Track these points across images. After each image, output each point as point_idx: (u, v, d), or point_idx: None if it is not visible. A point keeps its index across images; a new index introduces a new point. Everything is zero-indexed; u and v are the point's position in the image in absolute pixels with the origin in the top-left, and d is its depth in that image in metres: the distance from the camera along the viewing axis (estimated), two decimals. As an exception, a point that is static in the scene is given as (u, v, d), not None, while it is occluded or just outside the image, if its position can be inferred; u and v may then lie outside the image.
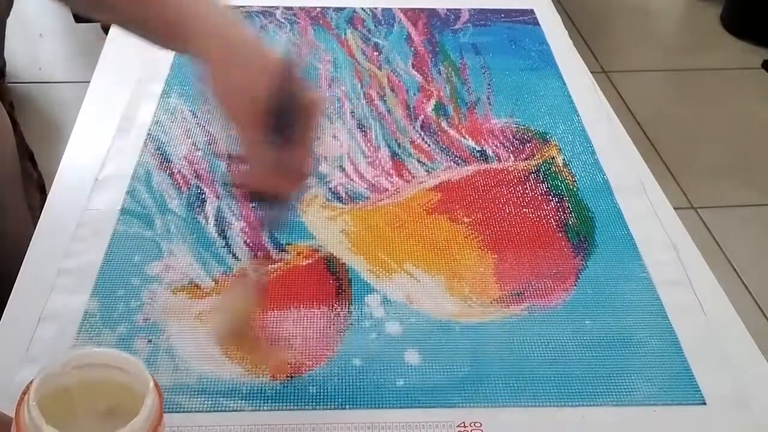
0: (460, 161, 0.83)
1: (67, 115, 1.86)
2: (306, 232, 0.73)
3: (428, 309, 0.66)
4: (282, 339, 0.63)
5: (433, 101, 0.91)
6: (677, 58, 2.38)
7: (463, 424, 0.57)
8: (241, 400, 0.58)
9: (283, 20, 1.04)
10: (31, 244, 0.71)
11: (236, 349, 0.61)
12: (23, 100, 1.96)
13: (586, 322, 0.66)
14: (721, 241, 1.73)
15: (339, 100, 0.90)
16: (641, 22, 2.56)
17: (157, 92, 0.89)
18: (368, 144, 0.84)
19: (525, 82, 0.95)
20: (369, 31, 1.03)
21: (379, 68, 0.96)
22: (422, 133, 0.86)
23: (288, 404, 0.58)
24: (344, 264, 0.70)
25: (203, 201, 0.76)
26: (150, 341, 0.62)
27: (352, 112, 0.89)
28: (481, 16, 1.08)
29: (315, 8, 1.07)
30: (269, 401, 0.58)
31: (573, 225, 0.75)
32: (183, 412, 0.57)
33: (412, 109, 0.90)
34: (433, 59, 0.99)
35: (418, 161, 0.82)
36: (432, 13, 1.08)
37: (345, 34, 1.02)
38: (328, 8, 1.07)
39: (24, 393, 0.40)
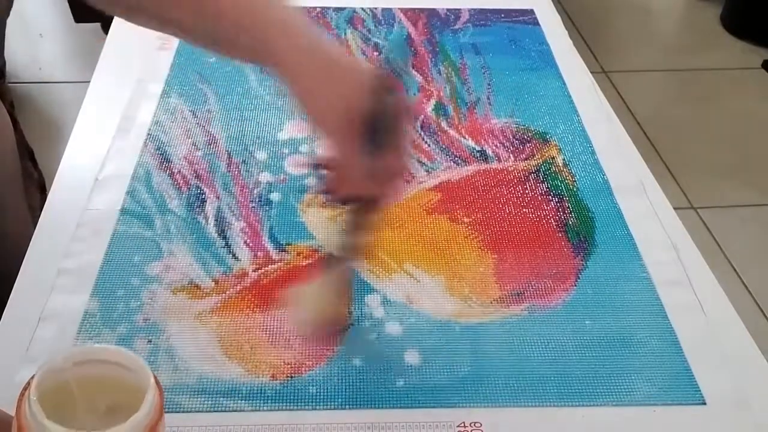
0: (460, 161, 0.83)
1: (67, 115, 1.86)
2: (306, 232, 0.73)
3: (428, 309, 0.66)
4: (282, 339, 0.63)
5: (433, 101, 0.91)
6: (677, 58, 2.37)
7: (463, 424, 0.57)
8: (241, 400, 0.58)
9: (283, 20, 1.04)
10: (31, 244, 0.71)
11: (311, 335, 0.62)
12: (23, 100, 1.96)
13: (586, 322, 0.66)
14: (721, 241, 1.73)
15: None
16: (641, 22, 2.56)
17: (157, 92, 0.89)
18: (368, 144, 0.84)
19: (525, 82, 0.95)
20: (369, 31, 1.03)
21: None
22: (422, 133, 0.86)
23: (288, 404, 0.58)
24: (344, 264, 0.70)
25: (203, 201, 0.76)
26: (150, 341, 0.62)
27: (352, 112, 0.89)
28: (481, 16, 1.08)
29: (315, 8, 1.07)
30: (269, 401, 0.58)
31: (573, 225, 0.75)
32: (183, 412, 0.57)
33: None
34: (433, 59, 0.99)
35: (418, 161, 0.82)
36: (432, 13, 1.08)
37: (345, 34, 1.02)
38: (328, 8, 1.07)
39: (25, 389, 0.40)
